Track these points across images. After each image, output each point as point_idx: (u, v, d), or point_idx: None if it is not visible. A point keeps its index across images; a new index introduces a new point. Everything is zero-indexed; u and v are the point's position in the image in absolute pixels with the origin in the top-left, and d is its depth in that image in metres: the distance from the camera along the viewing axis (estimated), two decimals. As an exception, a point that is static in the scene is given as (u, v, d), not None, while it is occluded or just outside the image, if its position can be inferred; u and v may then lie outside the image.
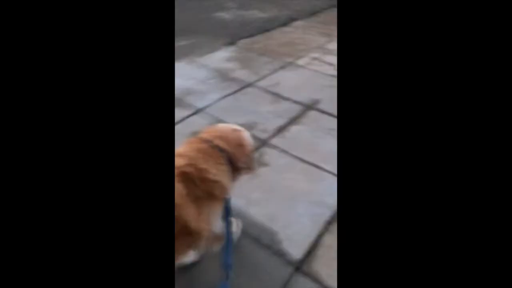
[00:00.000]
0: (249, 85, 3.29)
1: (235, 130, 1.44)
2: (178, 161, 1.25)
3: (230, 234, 1.45)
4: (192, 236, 1.27)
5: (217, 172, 1.29)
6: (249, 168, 1.47)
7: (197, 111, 2.81)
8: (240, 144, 1.40)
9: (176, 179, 1.21)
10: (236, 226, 1.69)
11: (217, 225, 1.41)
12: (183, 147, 1.34)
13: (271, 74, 3.52)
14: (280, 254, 1.68)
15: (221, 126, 1.48)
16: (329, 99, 3.02)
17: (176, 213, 1.16)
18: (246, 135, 1.47)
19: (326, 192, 2.03)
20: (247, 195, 1.98)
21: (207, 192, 1.27)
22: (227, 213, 1.48)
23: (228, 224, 1.46)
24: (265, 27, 4.83)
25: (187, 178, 1.23)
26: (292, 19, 5.25)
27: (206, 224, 1.31)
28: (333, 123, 2.68)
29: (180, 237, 1.20)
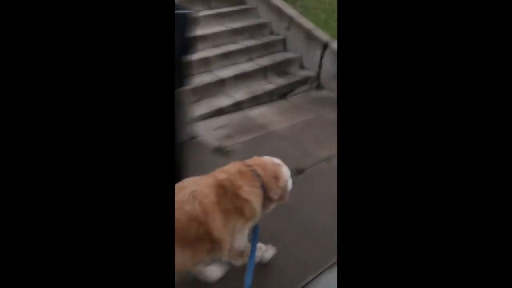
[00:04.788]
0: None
1: (275, 163, 1.58)
2: (219, 175, 1.43)
3: (253, 256, 1.52)
4: (213, 243, 1.36)
5: (250, 192, 1.42)
6: (281, 199, 1.57)
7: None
8: (276, 176, 1.52)
9: (212, 189, 1.37)
10: (261, 251, 1.77)
11: (241, 242, 1.50)
12: (227, 166, 1.52)
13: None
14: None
15: (264, 157, 1.62)
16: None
17: (203, 218, 1.30)
18: (284, 170, 1.59)
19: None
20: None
21: (236, 207, 1.39)
22: (254, 235, 1.59)
23: (253, 246, 1.56)
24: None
25: (222, 190, 1.38)
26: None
27: (229, 236, 1.41)
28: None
29: (201, 242, 1.31)
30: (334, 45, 4.05)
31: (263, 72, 4.18)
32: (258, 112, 3.75)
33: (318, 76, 4.32)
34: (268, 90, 3.99)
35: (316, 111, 3.74)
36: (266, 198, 1.50)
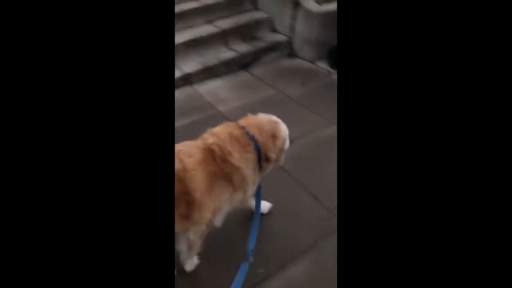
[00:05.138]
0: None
1: (272, 121, 1.45)
2: (209, 138, 1.32)
3: (257, 220, 1.46)
4: (190, 207, 1.23)
5: (241, 158, 1.31)
6: (276, 160, 1.45)
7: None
8: (273, 135, 1.40)
9: (199, 151, 1.27)
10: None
11: (222, 212, 1.39)
12: (218, 129, 1.39)
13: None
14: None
15: (261, 115, 1.48)
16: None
17: (181, 175, 1.20)
18: (282, 128, 1.47)
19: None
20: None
21: (225, 173, 1.29)
22: (257, 196, 1.53)
23: (257, 208, 1.50)
24: None
25: (210, 154, 1.27)
26: None
27: (212, 203, 1.28)
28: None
29: (178, 202, 1.16)
30: (306, 3, 3.31)
31: (223, 37, 3.51)
32: (209, 88, 3.17)
33: (290, 41, 3.62)
34: (226, 60, 3.36)
35: (280, 86, 3.12)
36: (263, 160, 1.40)
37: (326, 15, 3.23)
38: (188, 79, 3.17)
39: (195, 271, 1.56)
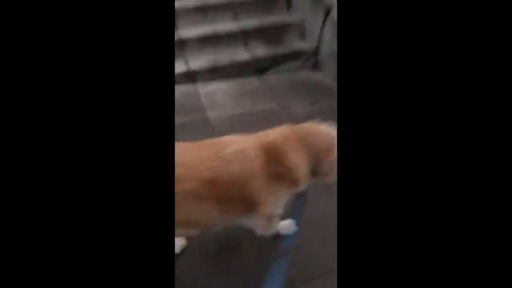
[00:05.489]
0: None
1: (330, 134, 1.39)
2: (264, 138, 1.30)
3: (298, 220, 1.45)
4: (249, 207, 1.29)
5: (296, 159, 1.29)
6: (326, 175, 1.40)
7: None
8: (328, 149, 1.34)
9: (258, 153, 1.25)
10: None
11: (278, 207, 1.42)
12: (273, 130, 1.36)
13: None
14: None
15: (320, 126, 1.42)
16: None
17: (246, 182, 1.22)
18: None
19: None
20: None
21: (281, 173, 1.28)
22: (299, 207, 1.48)
23: (298, 219, 1.47)
24: None
25: (267, 154, 1.26)
26: None
27: (268, 200, 1.31)
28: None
29: (237, 204, 1.25)
30: (335, 10, 2.87)
31: (244, 36, 3.25)
32: (211, 89, 2.95)
33: (316, 51, 3.21)
34: (239, 61, 3.10)
35: (287, 101, 2.78)
36: (313, 170, 1.35)
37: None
38: (192, 77, 2.99)
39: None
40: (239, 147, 1.25)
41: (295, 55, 3.23)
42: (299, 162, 1.30)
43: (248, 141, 1.30)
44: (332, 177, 1.42)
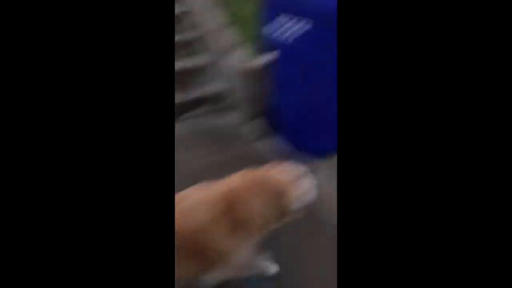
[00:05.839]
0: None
1: (295, 171, 1.39)
2: (225, 185, 1.31)
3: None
4: (212, 259, 1.28)
5: (259, 205, 1.27)
6: (295, 213, 1.38)
7: None
8: (284, 191, 1.33)
9: (218, 200, 1.26)
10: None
11: (245, 254, 1.40)
12: (238, 174, 1.37)
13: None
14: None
15: (283, 164, 1.43)
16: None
17: (204, 233, 1.22)
18: (306, 181, 1.40)
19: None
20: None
21: (243, 220, 1.27)
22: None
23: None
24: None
25: (228, 201, 1.26)
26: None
27: (233, 249, 1.30)
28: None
29: (200, 256, 1.25)
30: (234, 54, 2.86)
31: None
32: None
33: (227, 93, 3.17)
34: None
35: (196, 149, 2.70)
36: (281, 210, 1.34)
37: (256, 69, 2.74)
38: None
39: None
40: (199, 198, 1.27)
41: (204, 100, 3.18)
42: (259, 208, 1.29)
43: (207, 191, 1.32)
44: (300, 214, 1.41)
